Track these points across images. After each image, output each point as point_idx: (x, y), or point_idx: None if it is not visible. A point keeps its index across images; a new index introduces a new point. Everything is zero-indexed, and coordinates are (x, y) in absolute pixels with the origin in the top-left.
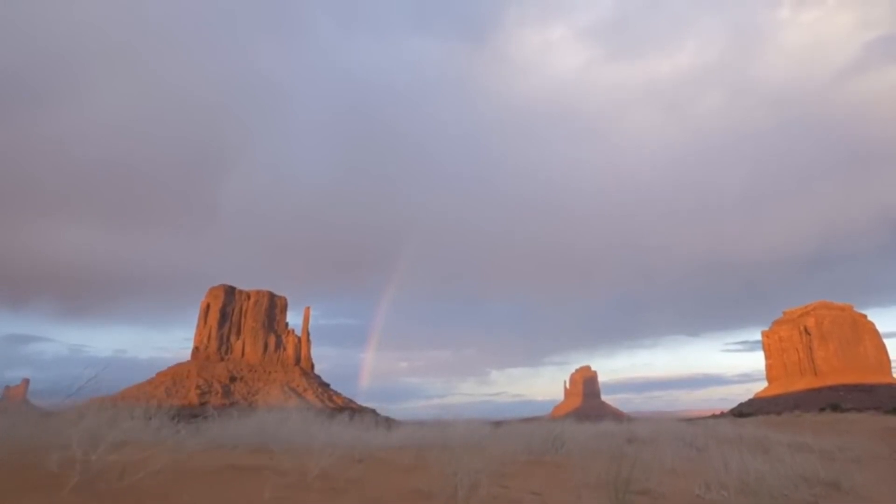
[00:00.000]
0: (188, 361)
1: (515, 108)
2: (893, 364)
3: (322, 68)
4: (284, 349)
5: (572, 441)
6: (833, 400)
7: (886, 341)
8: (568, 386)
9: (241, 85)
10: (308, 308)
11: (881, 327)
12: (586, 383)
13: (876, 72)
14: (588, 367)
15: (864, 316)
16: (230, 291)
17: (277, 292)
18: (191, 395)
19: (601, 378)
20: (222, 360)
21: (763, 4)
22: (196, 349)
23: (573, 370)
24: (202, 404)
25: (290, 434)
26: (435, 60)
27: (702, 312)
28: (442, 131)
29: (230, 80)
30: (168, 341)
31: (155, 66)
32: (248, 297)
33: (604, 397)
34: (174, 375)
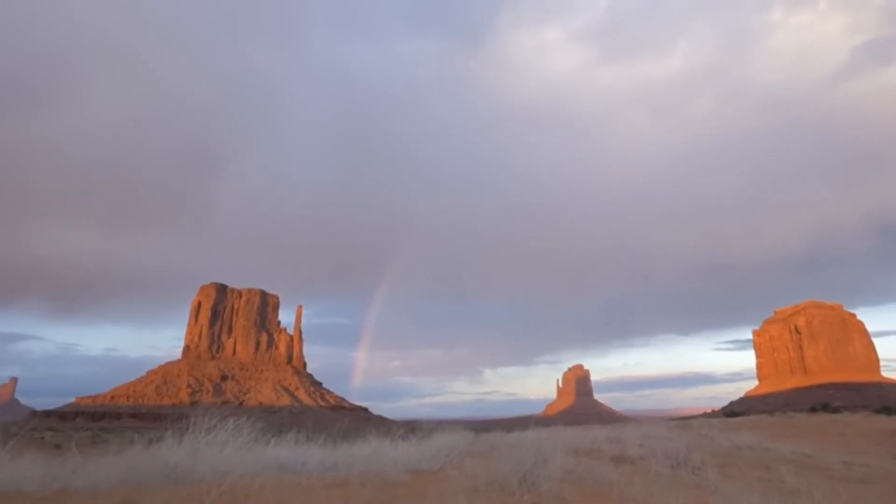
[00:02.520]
0: (179, 360)
1: (511, 109)
2: (882, 363)
3: (319, 69)
4: (276, 348)
5: (550, 465)
6: (823, 399)
7: (875, 340)
8: (560, 385)
9: (238, 86)
10: (300, 306)
11: (870, 326)
12: (579, 382)
13: (866, 75)
14: (581, 366)
15: (854, 315)
16: (222, 290)
17: (270, 291)
18: (181, 394)
19: (593, 377)
20: (213, 358)
21: (755, 7)
22: (187, 348)
23: (566, 369)
24: (193, 403)
25: (187, 470)
26: (431, 62)
27: (694, 312)
28: (438, 132)
29: (227, 80)
30: (159, 340)
31: (152, 67)
32: (240, 295)
33: (596, 396)
34: (165, 374)
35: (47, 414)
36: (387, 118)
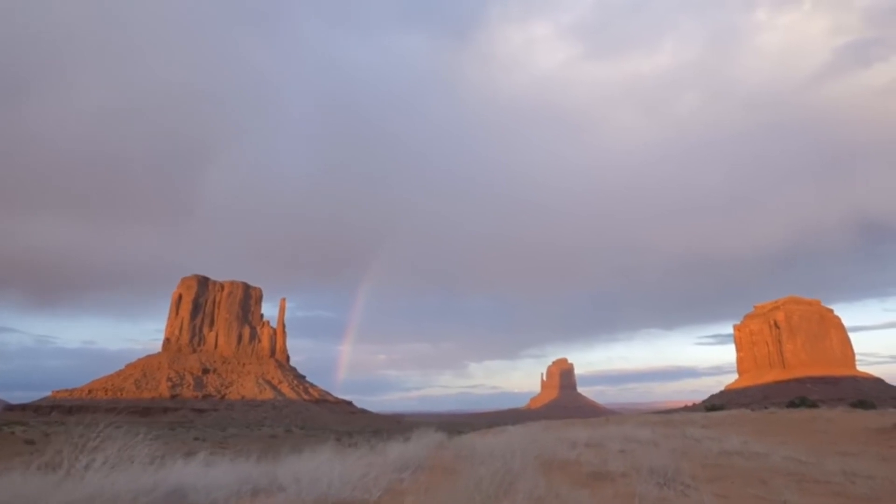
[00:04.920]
0: (159, 353)
1: (500, 104)
2: (857, 357)
3: (309, 63)
4: (259, 341)
5: (514, 491)
6: (800, 392)
7: (852, 335)
8: (545, 378)
9: (227, 78)
10: (283, 299)
11: (847, 322)
12: (563, 375)
13: (847, 76)
14: (565, 360)
15: (832, 311)
16: (203, 282)
17: (253, 284)
18: (161, 388)
19: (578, 370)
20: (195, 351)
21: (741, 6)
22: (167, 341)
23: (550, 363)
24: (173, 397)
25: None
26: (421, 56)
27: (677, 307)
28: (427, 127)
29: (215, 72)
30: (139, 333)
31: (138, 57)
32: (222, 287)
33: (580, 389)
34: (144, 367)
35: (22, 407)
36: (376, 113)
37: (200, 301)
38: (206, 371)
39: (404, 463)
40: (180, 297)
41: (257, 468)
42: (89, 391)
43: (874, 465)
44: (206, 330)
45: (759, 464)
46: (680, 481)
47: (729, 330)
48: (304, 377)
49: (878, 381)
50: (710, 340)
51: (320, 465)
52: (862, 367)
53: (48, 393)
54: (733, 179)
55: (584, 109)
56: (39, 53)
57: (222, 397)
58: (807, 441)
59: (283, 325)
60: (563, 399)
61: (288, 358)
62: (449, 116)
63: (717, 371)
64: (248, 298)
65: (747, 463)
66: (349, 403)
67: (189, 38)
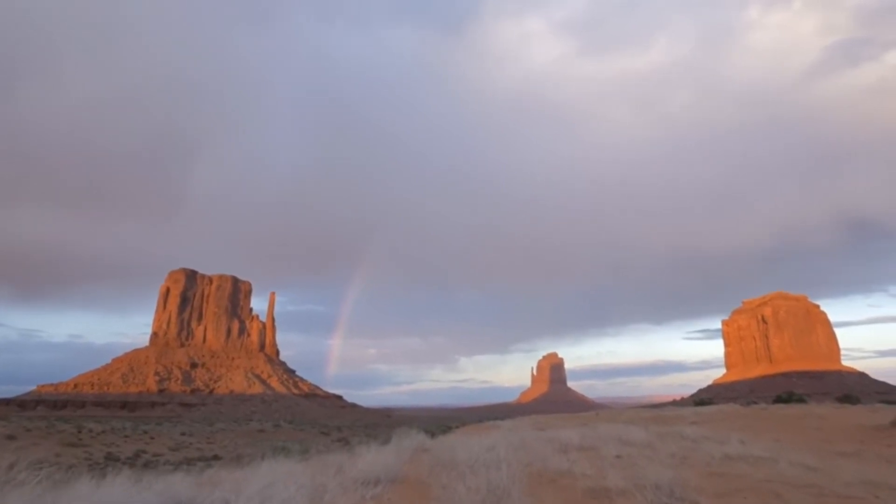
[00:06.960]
0: (146, 347)
1: (493, 99)
2: (842, 352)
3: (301, 57)
4: (248, 335)
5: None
6: (786, 387)
7: (837, 330)
8: (535, 372)
9: (218, 70)
10: (273, 293)
11: (833, 317)
12: (553, 370)
13: (836, 75)
14: (555, 354)
15: (818, 306)
16: (191, 275)
17: (242, 277)
18: (149, 382)
19: (567, 365)
20: (183, 345)
21: (733, 5)
22: (155, 335)
23: (540, 357)
24: (161, 391)
25: None
26: (415, 51)
27: (666, 302)
28: (420, 122)
29: (206, 64)
30: (127, 326)
31: (127, 47)
32: (211, 281)
33: (570, 383)
34: (131, 361)
35: (6, 402)
36: (367, 107)
37: (189, 294)
38: (194, 365)
39: (374, 475)
40: (168, 290)
41: (192, 488)
42: (75, 385)
43: (883, 469)
44: (194, 324)
45: (767, 471)
46: (689, 500)
47: (717, 325)
48: (293, 371)
49: (862, 376)
50: (699, 335)
51: (274, 481)
52: (847, 362)
53: (33, 387)
54: (723, 176)
55: (577, 105)
56: (27, 44)
57: (211, 392)
58: (801, 439)
59: (273, 320)
60: (553, 393)
61: (277, 352)
62: (442, 111)
63: (705, 365)
64: (238, 292)
65: (754, 471)
66: (339, 398)
67: (180, 31)
